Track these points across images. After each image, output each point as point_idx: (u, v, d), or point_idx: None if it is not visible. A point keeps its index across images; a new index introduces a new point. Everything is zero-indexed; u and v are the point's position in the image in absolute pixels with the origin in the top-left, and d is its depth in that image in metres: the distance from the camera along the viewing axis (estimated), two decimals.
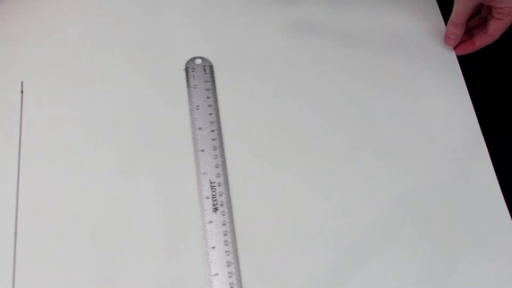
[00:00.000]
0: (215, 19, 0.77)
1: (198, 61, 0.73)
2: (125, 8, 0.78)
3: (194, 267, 0.61)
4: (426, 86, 0.73)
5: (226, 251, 0.62)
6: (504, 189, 0.66)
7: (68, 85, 0.72)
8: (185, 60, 0.74)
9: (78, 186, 0.65)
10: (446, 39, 0.76)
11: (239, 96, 0.72)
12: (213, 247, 0.62)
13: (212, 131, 0.69)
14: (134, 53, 0.74)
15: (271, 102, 0.72)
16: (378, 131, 0.70)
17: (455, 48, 0.76)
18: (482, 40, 0.75)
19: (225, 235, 0.63)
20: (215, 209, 0.64)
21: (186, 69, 0.73)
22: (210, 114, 0.70)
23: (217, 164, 0.67)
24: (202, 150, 0.68)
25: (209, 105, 0.71)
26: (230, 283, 0.60)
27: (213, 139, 0.68)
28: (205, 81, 0.73)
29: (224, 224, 0.63)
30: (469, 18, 0.76)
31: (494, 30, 0.73)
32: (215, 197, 0.65)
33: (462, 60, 0.75)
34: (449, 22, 0.74)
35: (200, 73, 0.73)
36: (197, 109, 0.71)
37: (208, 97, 0.71)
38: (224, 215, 0.64)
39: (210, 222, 0.63)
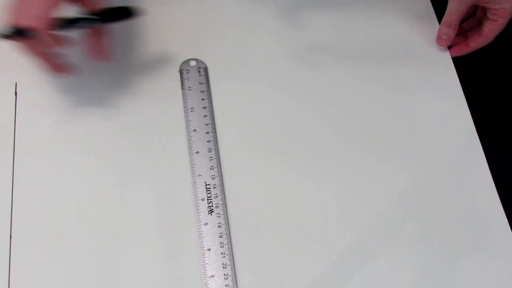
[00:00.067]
0: (210, 21, 0.77)
1: (193, 63, 0.73)
2: None
3: (190, 269, 0.61)
4: (422, 87, 0.74)
5: (221, 253, 0.62)
6: (500, 189, 0.67)
7: (62, 85, 0.72)
8: (180, 62, 0.74)
9: (74, 188, 0.65)
10: (439, 39, 0.76)
11: (233, 98, 0.72)
12: (209, 249, 0.62)
13: (207, 133, 0.69)
14: (128, 54, 0.74)
15: (266, 103, 0.72)
16: (375, 133, 0.70)
17: (449, 49, 0.76)
18: (476, 42, 0.75)
19: (220, 237, 0.63)
20: (211, 211, 0.64)
21: (181, 71, 0.73)
22: (205, 116, 0.70)
23: (212, 166, 0.67)
24: (197, 152, 0.68)
25: (204, 107, 0.71)
26: (225, 285, 0.60)
27: (208, 141, 0.68)
28: (200, 83, 0.73)
29: (219, 226, 0.63)
30: (464, 20, 0.77)
31: (489, 31, 0.73)
32: (211, 199, 0.65)
33: (458, 62, 0.76)
34: (442, 22, 0.75)
35: (195, 75, 0.73)
36: (191, 111, 0.70)
37: (202, 99, 0.71)
38: (219, 217, 0.64)
39: (206, 224, 0.63)
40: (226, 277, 0.61)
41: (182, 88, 0.72)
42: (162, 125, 0.69)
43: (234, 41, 0.76)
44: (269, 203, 0.65)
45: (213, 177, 0.66)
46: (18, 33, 0.60)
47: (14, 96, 0.70)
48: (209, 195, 0.65)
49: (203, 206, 0.64)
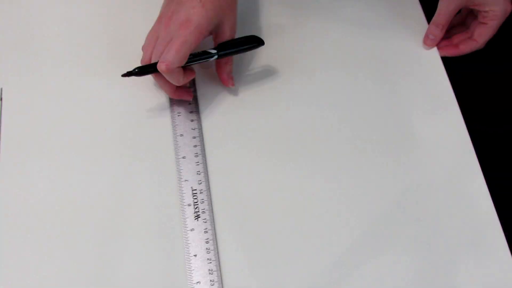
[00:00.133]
0: None
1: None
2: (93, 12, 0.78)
3: (176, 275, 0.61)
4: (413, 89, 0.73)
5: (208, 259, 0.61)
6: (492, 189, 0.67)
7: (50, 90, 0.71)
8: None
9: (57, 193, 0.65)
10: (425, 38, 0.76)
11: (221, 103, 0.72)
12: (195, 255, 0.62)
13: (194, 137, 0.69)
14: (114, 59, 0.73)
15: (253, 108, 0.71)
16: (367, 134, 0.70)
17: (439, 48, 0.76)
18: (466, 45, 0.75)
19: (207, 242, 0.62)
20: (197, 217, 0.64)
21: None
22: (192, 120, 0.70)
23: (199, 171, 0.66)
24: (184, 157, 0.67)
25: (191, 112, 0.70)
26: None
27: (195, 146, 0.68)
28: (187, 87, 0.72)
29: (206, 232, 0.63)
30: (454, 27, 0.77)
31: (478, 35, 0.73)
32: (197, 204, 0.64)
33: (448, 64, 0.76)
34: (431, 22, 0.75)
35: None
36: (178, 115, 0.70)
37: (189, 104, 0.71)
38: (206, 222, 0.63)
39: (192, 229, 0.63)
40: (212, 283, 0.60)
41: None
42: (148, 130, 0.69)
43: None
44: (257, 208, 0.65)
45: (199, 182, 0.66)
46: (149, 71, 0.67)
47: (0, 101, 0.70)
48: (195, 201, 0.65)
49: (190, 211, 0.64)
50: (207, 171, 0.67)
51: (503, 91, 0.81)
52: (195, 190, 0.65)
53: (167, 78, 0.67)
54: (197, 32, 0.66)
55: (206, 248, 0.62)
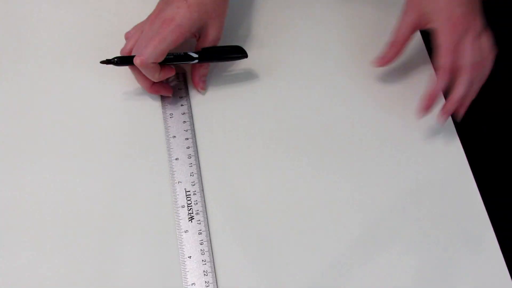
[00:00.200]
0: None
1: (175, 66, 0.72)
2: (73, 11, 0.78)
3: (171, 276, 0.61)
4: (405, 88, 0.74)
5: (202, 261, 0.61)
6: (483, 192, 0.68)
7: (39, 92, 0.71)
8: None
9: (49, 195, 0.64)
10: (382, 63, 0.73)
11: (213, 104, 0.72)
12: (189, 257, 0.61)
13: (187, 139, 0.69)
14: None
15: (246, 109, 0.72)
16: (367, 135, 0.71)
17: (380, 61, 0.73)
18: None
19: (201, 244, 0.62)
20: (191, 218, 0.64)
21: None
22: (184, 122, 0.70)
23: (192, 173, 0.66)
24: (177, 159, 0.67)
25: (183, 113, 0.70)
26: None
27: (188, 147, 0.68)
28: (179, 89, 0.72)
29: (200, 233, 0.63)
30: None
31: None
32: (191, 206, 0.64)
33: None
34: (388, 42, 0.73)
35: (175, 81, 0.72)
36: (171, 117, 0.70)
37: (182, 105, 0.71)
38: (200, 224, 0.63)
39: (186, 231, 0.63)
40: (207, 284, 0.60)
41: (161, 95, 0.71)
42: (141, 131, 0.69)
43: None
44: (251, 209, 0.65)
45: (193, 183, 0.66)
46: (127, 62, 0.68)
47: None
48: (189, 202, 0.64)
49: (183, 213, 0.64)
50: (200, 172, 0.67)
51: (494, 92, 0.81)
52: (189, 191, 0.65)
53: (143, 72, 0.67)
54: (178, 31, 0.67)
55: (201, 250, 0.62)
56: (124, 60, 0.68)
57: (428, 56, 0.76)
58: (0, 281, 0.60)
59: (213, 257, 0.62)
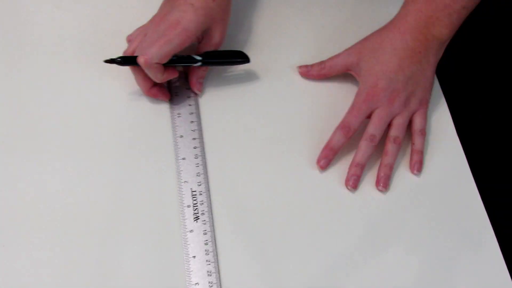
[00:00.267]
0: None
1: (180, 69, 0.73)
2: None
3: (175, 276, 0.60)
4: None
5: (206, 261, 0.61)
6: (483, 193, 0.68)
7: (44, 91, 0.71)
8: None
9: (56, 194, 0.64)
10: (304, 72, 0.74)
11: (221, 104, 0.72)
12: (194, 256, 0.61)
13: (194, 139, 0.69)
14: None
15: (254, 109, 0.72)
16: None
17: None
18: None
19: (206, 244, 0.62)
20: (196, 218, 0.63)
21: None
22: (192, 122, 0.70)
23: (198, 173, 0.66)
24: (184, 158, 0.67)
25: (191, 113, 0.70)
26: None
27: (195, 147, 0.68)
28: (186, 88, 0.72)
29: (205, 233, 0.63)
30: None
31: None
32: (196, 206, 0.64)
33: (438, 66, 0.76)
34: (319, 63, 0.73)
35: (182, 80, 0.72)
36: (178, 116, 0.70)
37: (189, 105, 0.71)
38: (205, 224, 0.63)
39: (191, 231, 0.63)
40: (211, 285, 0.60)
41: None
42: (148, 131, 0.69)
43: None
44: (256, 210, 0.65)
45: (199, 183, 0.66)
46: (131, 62, 0.67)
47: None
48: (195, 202, 0.64)
49: (189, 213, 0.64)
50: (207, 172, 0.67)
51: (491, 85, 0.81)
52: (195, 191, 0.65)
53: (147, 72, 0.67)
54: (184, 35, 0.67)
55: (205, 250, 0.62)
56: (127, 59, 0.68)
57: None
58: (15, 280, 0.60)
59: (217, 257, 0.62)
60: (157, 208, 0.64)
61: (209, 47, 0.71)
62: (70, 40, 0.75)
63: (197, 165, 0.67)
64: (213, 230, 0.63)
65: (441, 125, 0.72)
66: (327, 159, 0.67)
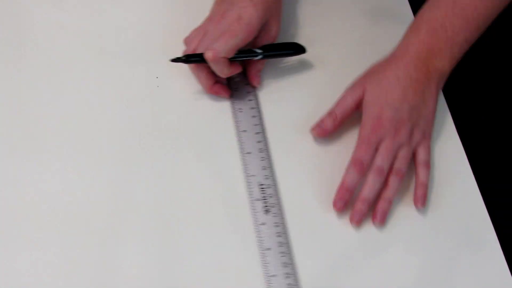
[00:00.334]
0: None
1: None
2: None
3: (251, 269, 0.61)
4: None
5: (281, 252, 0.62)
6: (483, 191, 0.67)
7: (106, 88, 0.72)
8: None
9: (134, 191, 0.65)
10: (316, 127, 0.69)
11: (280, 97, 0.72)
12: (268, 249, 0.62)
13: (257, 133, 0.69)
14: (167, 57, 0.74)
15: (312, 99, 0.72)
16: None
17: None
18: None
19: (278, 236, 0.63)
20: (267, 211, 0.64)
21: None
22: (254, 116, 0.70)
23: (264, 166, 0.67)
24: (249, 153, 0.68)
25: (252, 108, 0.71)
26: (288, 284, 0.60)
27: (259, 141, 0.68)
28: (245, 84, 0.73)
29: (277, 226, 0.63)
30: None
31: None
32: (266, 199, 0.65)
33: None
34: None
35: (241, 76, 0.73)
36: (240, 111, 0.71)
37: (250, 100, 0.71)
38: (276, 216, 0.64)
39: (263, 223, 0.63)
40: (288, 275, 0.60)
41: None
42: (211, 127, 0.70)
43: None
44: (327, 201, 0.65)
45: (266, 177, 0.66)
46: (196, 59, 0.68)
47: None
48: (263, 195, 0.65)
49: (259, 206, 0.64)
50: (272, 166, 0.67)
51: (493, 88, 0.81)
52: (262, 185, 0.66)
53: (212, 67, 0.68)
54: (248, 29, 0.68)
55: (279, 242, 0.62)
56: (193, 57, 0.69)
57: None
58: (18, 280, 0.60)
59: (291, 248, 0.62)
60: (227, 203, 0.65)
61: (266, 40, 0.72)
62: (132, 39, 0.76)
63: (262, 158, 0.67)
64: (284, 222, 0.63)
65: (442, 124, 0.71)
66: (343, 200, 0.64)
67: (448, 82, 0.70)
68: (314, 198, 0.65)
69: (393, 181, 0.64)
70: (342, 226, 0.64)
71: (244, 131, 0.69)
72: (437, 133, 0.70)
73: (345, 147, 0.68)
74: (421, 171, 0.66)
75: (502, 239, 0.64)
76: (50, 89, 0.72)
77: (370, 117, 0.66)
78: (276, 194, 0.65)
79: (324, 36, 0.78)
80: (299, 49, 0.73)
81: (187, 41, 0.72)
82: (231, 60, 0.68)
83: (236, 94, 0.72)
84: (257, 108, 0.71)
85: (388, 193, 0.64)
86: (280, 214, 0.64)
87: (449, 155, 0.69)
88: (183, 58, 0.69)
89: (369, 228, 0.64)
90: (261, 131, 0.69)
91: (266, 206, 0.64)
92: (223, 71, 0.68)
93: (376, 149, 0.65)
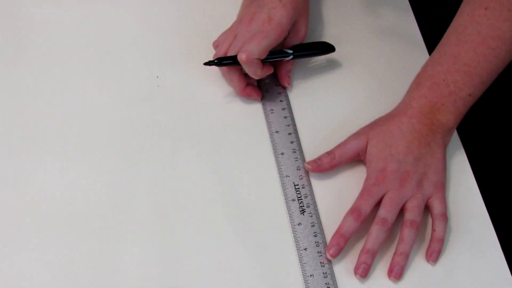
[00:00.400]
0: None
1: None
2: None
3: (288, 268, 0.62)
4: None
5: (318, 252, 0.62)
6: (483, 190, 0.67)
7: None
8: None
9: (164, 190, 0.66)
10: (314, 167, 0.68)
11: (310, 96, 0.73)
12: (305, 249, 0.63)
13: (289, 134, 0.70)
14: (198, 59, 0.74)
15: (342, 98, 0.73)
16: None
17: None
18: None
19: (315, 236, 0.63)
20: (302, 211, 0.65)
21: None
22: (285, 117, 0.71)
23: (298, 167, 0.68)
24: (282, 154, 0.68)
25: (283, 108, 0.72)
26: (326, 283, 0.61)
27: (292, 142, 0.69)
28: (276, 85, 0.73)
29: (313, 226, 0.64)
30: None
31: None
32: (301, 199, 0.65)
33: None
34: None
35: (271, 77, 0.74)
36: (271, 112, 0.71)
37: (281, 101, 0.72)
38: (311, 216, 0.64)
39: (299, 224, 0.64)
40: (325, 275, 0.61)
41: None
42: (244, 129, 0.71)
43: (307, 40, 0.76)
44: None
45: (300, 177, 0.67)
46: (228, 62, 0.69)
47: None
48: (299, 195, 0.66)
49: (294, 206, 0.65)
50: None
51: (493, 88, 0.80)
52: (297, 185, 0.66)
53: (246, 69, 0.68)
54: (279, 29, 0.68)
55: (315, 242, 0.63)
56: (225, 59, 0.69)
57: None
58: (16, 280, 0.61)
59: None
60: (263, 204, 0.65)
61: (295, 40, 0.72)
62: (168, 41, 0.77)
63: (296, 159, 0.68)
64: (319, 222, 0.64)
65: None
66: (338, 247, 0.62)
67: None
68: (348, 197, 0.65)
69: (408, 233, 0.62)
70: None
71: (277, 132, 0.70)
72: None
73: None
74: (438, 225, 0.63)
75: (502, 239, 0.64)
76: (50, 89, 0.73)
77: (375, 170, 0.65)
78: (311, 194, 0.66)
79: (350, 35, 0.78)
80: (328, 48, 0.73)
81: (216, 44, 0.72)
82: (263, 62, 0.69)
83: (267, 95, 0.73)
84: (288, 108, 0.72)
85: (404, 247, 0.62)
86: (316, 214, 0.65)
87: (450, 155, 0.69)
88: (216, 61, 0.69)
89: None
90: (294, 132, 0.70)
91: (302, 206, 0.65)
92: (256, 73, 0.69)
93: (380, 201, 0.64)
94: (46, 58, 0.75)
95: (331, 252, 0.62)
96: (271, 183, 0.67)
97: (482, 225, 0.65)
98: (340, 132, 0.69)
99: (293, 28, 0.71)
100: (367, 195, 0.64)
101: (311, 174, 0.67)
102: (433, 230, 0.63)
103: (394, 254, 0.62)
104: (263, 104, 0.72)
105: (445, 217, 0.64)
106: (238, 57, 0.67)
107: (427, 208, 0.65)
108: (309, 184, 0.66)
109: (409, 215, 0.63)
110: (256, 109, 0.72)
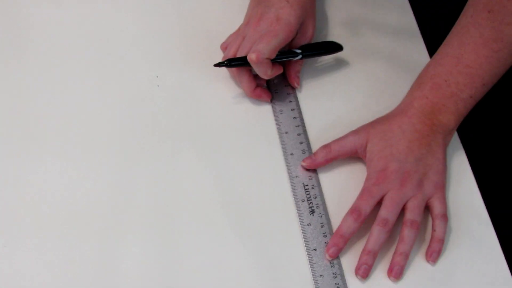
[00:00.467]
0: None
1: None
2: None
3: (298, 269, 0.62)
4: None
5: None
6: (483, 189, 0.67)
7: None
8: None
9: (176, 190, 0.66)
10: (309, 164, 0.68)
11: (319, 96, 0.73)
12: (315, 249, 0.63)
13: (299, 134, 0.70)
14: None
15: (351, 98, 0.73)
16: None
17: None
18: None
19: (324, 236, 0.63)
20: (312, 212, 0.65)
21: None
22: (294, 118, 0.71)
23: None
24: (291, 154, 0.68)
25: (292, 109, 0.72)
26: (335, 284, 0.61)
27: (301, 143, 0.69)
28: (285, 86, 0.74)
29: (322, 226, 0.64)
30: None
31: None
32: (310, 200, 0.65)
33: None
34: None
35: (280, 77, 0.74)
36: (281, 113, 0.71)
37: (290, 101, 0.72)
38: (321, 217, 0.64)
39: (309, 224, 0.64)
40: (335, 275, 0.61)
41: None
42: (254, 130, 0.71)
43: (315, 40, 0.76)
44: None
45: (310, 178, 0.67)
46: (238, 63, 0.69)
47: None
48: (308, 196, 0.66)
49: (304, 206, 0.65)
50: None
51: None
52: (307, 185, 0.66)
53: (256, 69, 0.68)
54: (288, 29, 0.69)
55: (325, 242, 0.63)
56: (235, 61, 0.69)
57: None
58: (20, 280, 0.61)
59: None
60: (272, 204, 0.66)
61: (303, 40, 0.73)
62: (178, 42, 0.77)
63: None
64: (329, 222, 0.64)
65: None
66: (337, 247, 0.62)
67: None
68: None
69: (408, 233, 0.62)
70: None
71: (286, 132, 0.70)
72: None
73: None
74: (438, 225, 0.63)
75: (502, 239, 0.64)
76: (50, 89, 0.73)
77: (375, 170, 0.65)
78: (321, 194, 0.66)
79: (357, 34, 0.79)
80: (336, 47, 0.74)
81: (225, 46, 0.73)
82: (272, 62, 0.69)
83: (276, 96, 0.73)
84: (298, 109, 0.72)
85: (404, 247, 0.62)
86: (325, 214, 0.65)
87: (450, 155, 0.69)
88: (226, 62, 0.69)
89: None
90: (303, 132, 0.70)
91: (311, 207, 0.65)
92: (267, 73, 0.69)
93: (381, 201, 0.64)
94: (46, 58, 0.76)
95: (330, 252, 0.62)
96: (281, 184, 0.67)
97: (482, 225, 0.65)
98: (348, 130, 0.69)
99: (300, 28, 0.72)
100: (367, 195, 0.64)
101: (320, 174, 0.67)
102: (433, 230, 0.64)
103: (394, 254, 0.62)
104: (272, 105, 0.72)
105: (445, 217, 0.64)
106: (248, 58, 0.67)
107: (427, 208, 0.65)
108: (319, 184, 0.67)
109: (409, 215, 0.63)
110: (265, 110, 0.72)
